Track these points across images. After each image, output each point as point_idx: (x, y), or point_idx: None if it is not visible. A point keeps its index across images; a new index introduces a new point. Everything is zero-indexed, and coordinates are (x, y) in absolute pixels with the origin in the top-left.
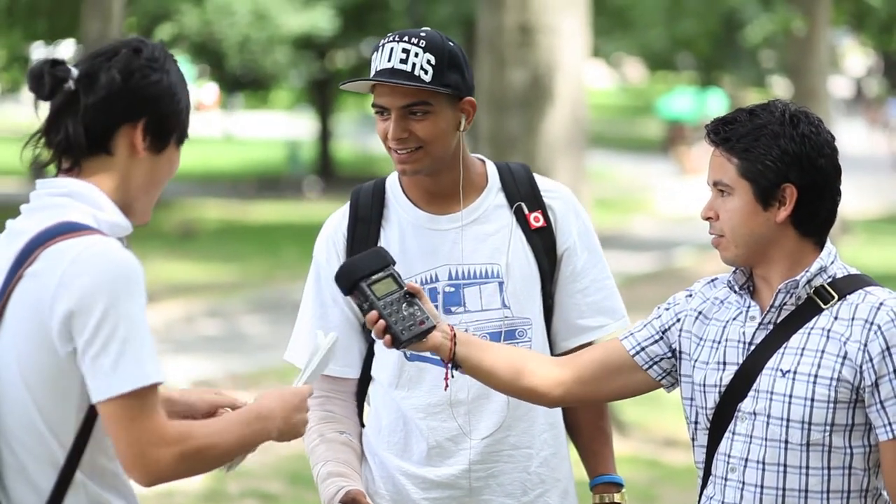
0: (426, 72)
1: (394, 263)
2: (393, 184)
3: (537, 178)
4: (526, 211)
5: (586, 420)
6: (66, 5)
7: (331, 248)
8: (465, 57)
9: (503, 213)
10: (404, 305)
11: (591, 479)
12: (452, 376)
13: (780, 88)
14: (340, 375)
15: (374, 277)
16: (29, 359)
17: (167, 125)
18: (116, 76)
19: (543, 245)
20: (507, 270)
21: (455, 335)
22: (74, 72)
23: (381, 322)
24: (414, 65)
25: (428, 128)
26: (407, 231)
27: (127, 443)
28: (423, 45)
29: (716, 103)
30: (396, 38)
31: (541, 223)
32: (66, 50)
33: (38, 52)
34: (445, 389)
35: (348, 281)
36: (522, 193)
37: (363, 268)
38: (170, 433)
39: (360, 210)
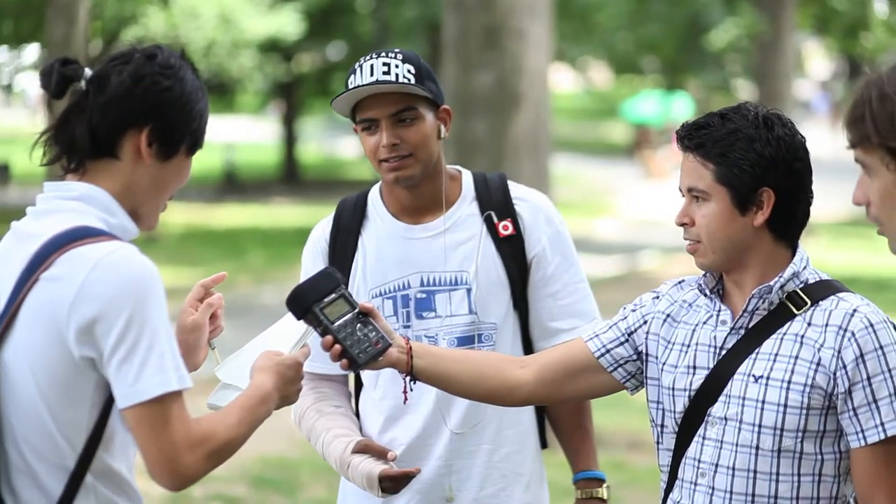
0: (409, 80)
1: (344, 283)
2: (374, 196)
3: (511, 186)
4: (496, 220)
5: (567, 418)
6: (31, 9)
7: (316, 255)
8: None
9: (475, 221)
10: (358, 326)
11: (574, 475)
12: (411, 389)
13: (745, 92)
14: (329, 373)
15: (325, 301)
16: (42, 361)
17: (175, 133)
18: (126, 79)
19: (512, 252)
20: (476, 278)
21: (411, 348)
22: (87, 72)
23: (337, 346)
24: (397, 74)
25: (417, 134)
26: (383, 240)
27: (156, 450)
28: (400, 58)
29: (681, 107)
30: (374, 56)
31: (510, 231)
32: (31, 54)
33: (2, 55)
34: (405, 403)
35: (300, 306)
36: (494, 202)
37: (314, 291)
38: (196, 436)
39: (343, 220)
